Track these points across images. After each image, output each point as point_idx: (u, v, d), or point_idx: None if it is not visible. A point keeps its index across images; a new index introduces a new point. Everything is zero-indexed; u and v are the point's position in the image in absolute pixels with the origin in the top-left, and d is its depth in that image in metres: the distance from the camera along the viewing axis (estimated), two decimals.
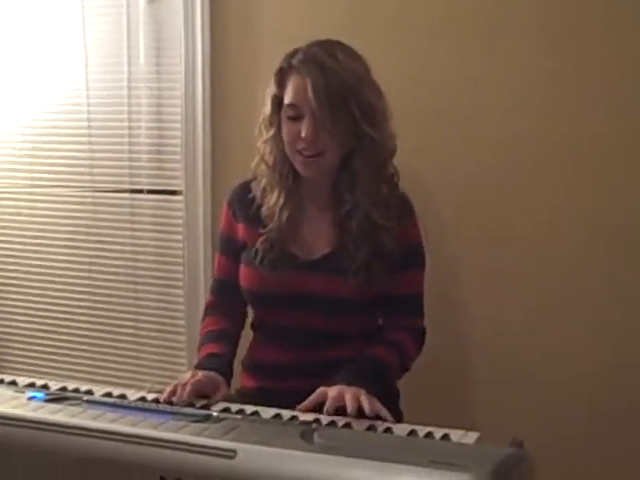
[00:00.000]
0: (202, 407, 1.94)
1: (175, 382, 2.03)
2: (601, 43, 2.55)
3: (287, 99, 2.12)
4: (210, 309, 2.40)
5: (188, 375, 2.06)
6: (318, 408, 1.91)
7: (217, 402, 1.99)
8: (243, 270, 2.26)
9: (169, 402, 1.96)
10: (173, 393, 1.97)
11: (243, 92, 2.96)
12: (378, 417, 1.86)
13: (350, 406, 1.86)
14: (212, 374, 2.08)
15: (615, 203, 2.59)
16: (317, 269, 2.19)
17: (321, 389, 1.96)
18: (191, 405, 1.94)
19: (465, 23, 2.68)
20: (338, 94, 2.05)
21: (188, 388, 1.97)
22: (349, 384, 1.96)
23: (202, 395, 2.01)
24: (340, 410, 1.88)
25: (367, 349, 2.19)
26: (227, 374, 2.15)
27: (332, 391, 1.93)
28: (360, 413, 1.86)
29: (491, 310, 2.75)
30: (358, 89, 2.08)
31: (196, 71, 3.03)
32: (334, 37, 2.19)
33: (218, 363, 2.16)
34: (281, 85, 2.15)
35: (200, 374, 2.05)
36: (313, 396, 1.95)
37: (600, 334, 2.64)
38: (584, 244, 2.63)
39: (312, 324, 2.19)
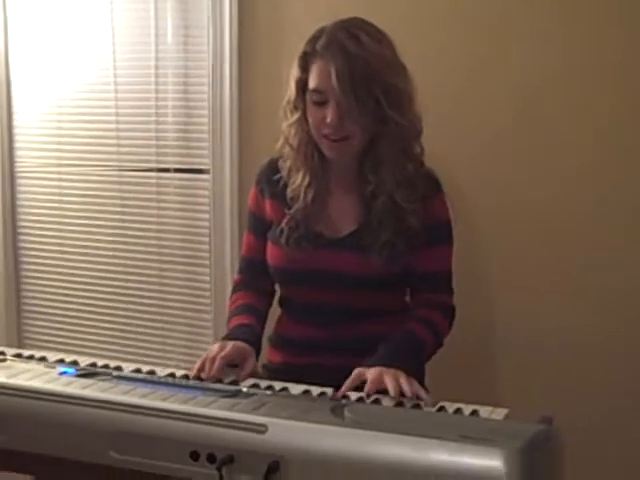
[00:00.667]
0: (231, 383, 1.95)
1: (203, 356, 2.04)
2: (608, 33, 2.56)
3: (312, 84, 2.11)
4: (238, 286, 2.41)
5: (216, 347, 2.06)
6: (357, 388, 1.92)
7: (247, 375, 2.01)
8: (270, 248, 2.27)
9: (198, 378, 1.97)
10: (202, 368, 1.99)
11: (270, 71, 2.96)
12: (417, 398, 1.87)
13: (392, 389, 1.86)
14: (241, 344, 2.09)
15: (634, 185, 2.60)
16: (342, 246, 2.20)
17: (359, 370, 1.96)
18: (220, 381, 1.96)
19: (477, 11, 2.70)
20: (363, 80, 2.04)
21: (217, 363, 1.98)
22: (386, 365, 1.96)
23: (231, 365, 2.02)
24: (380, 393, 1.88)
25: (402, 326, 2.18)
26: (256, 344, 2.16)
27: (371, 374, 1.93)
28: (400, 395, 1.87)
29: (518, 287, 2.76)
30: (383, 73, 2.06)
31: (224, 50, 3.03)
32: (360, 14, 2.17)
33: (248, 333, 2.17)
34: (305, 69, 2.13)
35: (229, 346, 2.06)
36: (352, 378, 1.95)
37: (629, 312, 2.64)
38: (606, 221, 2.64)
39: (338, 301, 2.20)
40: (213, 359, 2.00)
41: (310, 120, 2.15)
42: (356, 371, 1.96)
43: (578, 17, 2.58)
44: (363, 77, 2.04)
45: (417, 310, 2.27)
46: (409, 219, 2.16)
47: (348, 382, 1.93)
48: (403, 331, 2.16)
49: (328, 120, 2.08)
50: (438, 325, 2.23)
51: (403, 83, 2.12)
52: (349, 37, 2.07)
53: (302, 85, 2.15)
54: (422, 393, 1.87)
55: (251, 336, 2.17)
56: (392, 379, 1.89)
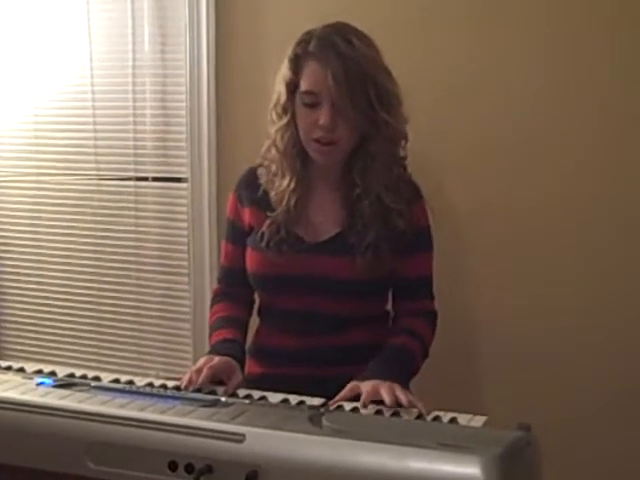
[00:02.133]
0: (209, 392, 1.94)
1: (191, 369, 2.01)
2: (602, 36, 2.57)
3: (304, 86, 2.10)
4: (218, 297, 2.39)
5: (203, 360, 2.04)
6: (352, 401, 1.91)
7: (234, 388, 1.98)
8: (249, 254, 2.26)
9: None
10: (190, 381, 1.95)
11: (248, 79, 2.96)
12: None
13: (388, 400, 1.85)
14: (227, 359, 2.07)
15: (627, 186, 2.61)
16: (324, 251, 2.19)
17: (353, 384, 1.95)
18: (199, 390, 1.95)
19: (465, 13, 2.70)
20: (357, 81, 2.04)
21: (204, 372, 1.96)
22: (381, 378, 1.95)
23: (217, 381, 2.00)
24: (376, 404, 1.87)
25: (390, 339, 2.18)
26: (241, 359, 2.15)
27: (366, 386, 1.92)
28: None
29: (498, 294, 2.77)
30: (374, 74, 2.07)
31: (201, 58, 3.03)
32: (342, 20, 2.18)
33: (232, 348, 2.15)
34: (296, 72, 2.12)
35: (215, 359, 2.04)
36: (346, 390, 1.94)
37: (610, 319, 2.65)
38: (593, 224, 2.65)
39: (319, 308, 2.19)
40: (200, 370, 1.98)
41: (300, 123, 2.14)
42: (350, 384, 1.95)
43: (569, 28, 2.60)
44: (357, 78, 2.04)
45: (402, 319, 2.26)
46: (395, 220, 2.16)
47: (342, 394, 1.92)
48: (394, 345, 2.16)
49: (321, 122, 2.07)
50: (425, 336, 2.23)
51: (392, 85, 2.13)
52: (342, 39, 2.07)
53: (293, 87, 2.14)
54: (419, 404, 1.86)
55: (236, 351, 2.15)
56: (388, 391, 1.88)
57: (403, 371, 2.07)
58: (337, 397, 1.91)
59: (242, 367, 2.14)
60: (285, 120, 2.17)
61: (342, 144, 2.12)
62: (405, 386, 1.97)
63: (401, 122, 2.17)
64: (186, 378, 1.97)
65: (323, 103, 2.07)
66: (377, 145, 2.14)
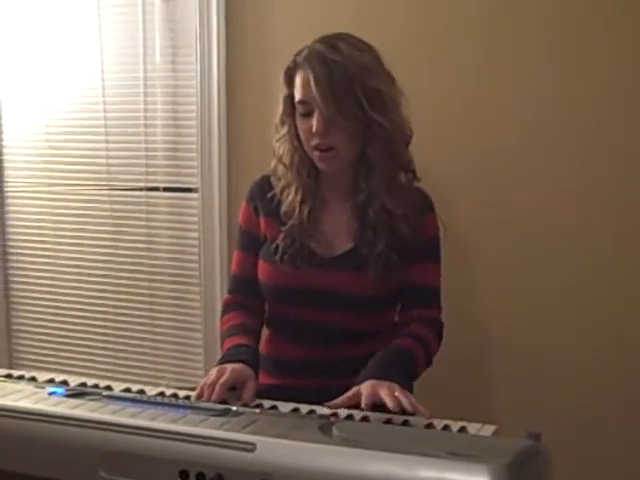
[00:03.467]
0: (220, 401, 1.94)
1: (202, 382, 1.98)
2: (604, 37, 2.59)
3: (296, 96, 2.13)
4: (229, 306, 2.37)
5: (214, 373, 2.00)
6: (352, 406, 1.90)
7: (250, 394, 1.97)
8: (262, 266, 2.26)
9: None
10: (201, 395, 1.94)
11: (258, 89, 2.98)
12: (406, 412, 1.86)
13: (390, 403, 1.84)
14: (239, 366, 2.03)
15: (621, 189, 2.62)
16: (337, 265, 2.19)
17: (355, 389, 1.94)
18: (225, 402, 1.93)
19: (471, 18, 2.73)
20: (342, 84, 2.05)
21: (217, 390, 1.93)
22: (379, 378, 1.95)
23: (231, 388, 1.98)
24: (377, 406, 1.87)
25: (393, 341, 2.17)
26: (255, 365, 2.11)
27: (364, 388, 1.91)
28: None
29: (507, 304, 2.77)
30: (363, 77, 2.07)
31: (212, 69, 3.05)
32: (349, 31, 2.19)
33: (245, 352, 2.12)
34: (289, 84, 2.16)
35: (227, 371, 1.99)
36: (348, 395, 1.93)
37: (610, 327, 2.66)
38: (592, 228, 2.66)
39: (331, 321, 2.19)
40: (212, 385, 1.95)
41: (300, 133, 2.16)
42: (353, 390, 1.94)
43: (571, 31, 2.62)
44: (342, 81, 2.05)
45: (408, 326, 2.25)
46: (401, 227, 2.16)
47: (343, 398, 1.92)
48: (395, 345, 2.15)
49: (314, 129, 2.09)
50: (430, 343, 2.21)
51: (385, 86, 2.12)
52: (328, 47, 2.09)
53: (290, 100, 2.17)
54: (419, 406, 1.85)
55: (249, 356, 2.11)
56: (388, 392, 1.87)
57: (403, 371, 2.05)
58: (337, 401, 1.91)
59: (256, 371, 2.10)
60: (284, 132, 2.20)
61: (341, 149, 2.13)
62: (404, 386, 1.95)
63: (399, 123, 2.16)
64: (198, 392, 1.95)
65: (314, 111, 2.09)
66: (375, 148, 2.14)
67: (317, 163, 2.18)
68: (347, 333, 2.21)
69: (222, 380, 1.96)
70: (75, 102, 3.39)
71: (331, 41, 2.12)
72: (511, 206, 2.74)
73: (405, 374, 2.07)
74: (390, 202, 2.15)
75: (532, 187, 2.70)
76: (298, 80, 2.12)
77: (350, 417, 1.83)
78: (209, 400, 1.92)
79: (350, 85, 2.06)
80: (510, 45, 2.68)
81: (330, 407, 1.88)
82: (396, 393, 1.88)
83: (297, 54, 2.15)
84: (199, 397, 1.94)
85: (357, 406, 1.89)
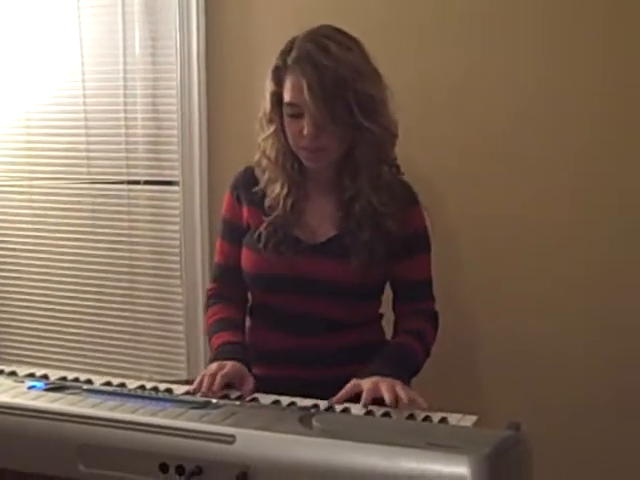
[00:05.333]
0: (237, 398, 1.94)
1: (202, 373, 2.01)
2: (597, 30, 2.58)
3: (286, 98, 2.11)
4: (214, 297, 2.37)
5: (215, 366, 2.02)
6: (352, 400, 1.91)
7: (250, 393, 1.98)
8: (246, 254, 2.26)
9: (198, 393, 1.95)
10: (201, 384, 1.96)
11: (239, 82, 2.97)
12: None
13: (388, 397, 1.86)
14: (238, 365, 2.06)
15: (615, 183, 2.63)
16: (321, 252, 2.20)
17: (354, 382, 1.95)
18: (227, 397, 1.94)
19: (460, 13, 2.72)
20: (334, 91, 2.04)
21: (218, 379, 1.95)
22: (382, 375, 1.96)
23: (229, 385, 2.00)
24: (376, 402, 1.87)
25: (392, 338, 2.22)
26: (248, 362, 2.12)
27: (367, 383, 1.92)
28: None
29: (492, 295, 2.78)
30: (355, 81, 2.06)
31: (191, 62, 3.04)
32: (332, 21, 2.17)
33: (238, 352, 2.14)
34: (278, 83, 2.14)
35: (228, 366, 2.02)
36: (347, 388, 1.94)
37: (601, 319, 2.67)
38: (582, 223, 2.66)
39: (314, 309, 2.20)
40: (213, 375, 1.97)
41: (288, 132, 2.16)
42: (352, 382, 1.95)
43: (564, 25, 2.62)
44: (334, 88, 2.04)
45: (403, 321, 2.27)
46: (387, 223, 2.17)
47: (343, 392, 1.92)
48: (395, 343, 2.19)
49: (305, 133, 2.09)
50: (427, 336, 2.24)
51: (375, 90, 2.12)
52: (318, 49, 2.07)
53: (277, 98, 2.15)
54: (419, 399, 1.86)
55: (242, 354, 2.13)
56: (389, 388, 1.88)
57: (404, 369, 2.08)
58: (338, 395, 1.91)
59: (249, 369, 2.11)
60: (272, 129, 2.19)
61: (330, 149, 2.13)
62: (406, 383, 1.97)
63: (387, 126, 2.16)
64: (198, 381, 1.97)
65: (305, 113, 2.08)
66: (363, 150, 2.14)
67: (304, 161, 2.18)
68: (330, 322, 2.21)
69: (223, 372, 1.99)
70: (55, 95, 3.37)
71: (320, 41, 2.09)
72: (501, 199, 2.74)
73: (407, 371, 2.10)
74: (376, 199, 2.16)
75: (523, 180, 2.70)
76: (289, 83, 2.10)
77: (330, 409, 1.83)
78: (209, 389, 1.94)
79: (342, 92, 2.05)
80: (500, 35, 2.68)
81: (333, 402, 1.88)
82: (397, 388, 1.89)
83: (285, 52, 2.12)
84: (199, 387, 1.95)
85: (357, 397, 1.90)
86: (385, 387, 1.89)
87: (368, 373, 1.99)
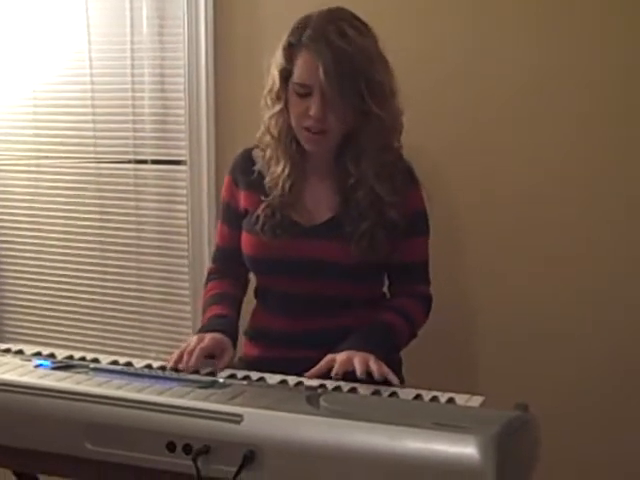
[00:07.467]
0: (208, 374, 1.95)
1: (181, 348, 2.04)
2: (597, 19, 2.56)
3: (296, 76, 2.10)
4: (212, 275, 2.42)
5: (195, 340, 2.07)
6: (326, 375, 1.93)
7: (224, 366, 2.02)
8: (244, 237, 2.27)
9: (175, 369, 1.97)
10: (179, 360, 1.99)
11: (247, 61, 2.95)
12: (386, 381, 1.89)
13: (359, 369, 1.88)
14: (218, 336, 2.10)
15: (627, 173, 2.60)
16: (318, 235, 2.20)
17: (329, 356, 1.99)
18: (197, 372, 1.96)
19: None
20: (349, 75, 2.04)
21: (196, 354, 1.99)
22: (356, 349, 1.98)
23: (208, 356, 2.03)
24: (348, 375, 1.90)
25: (375, 316, 2.20)
26: (233, 335, 2.17)
27: (340, 356, 1.95)
28: (368, 377, 1.88)
29: (494, 276, 2.76)
30: (368, 68, 2.06)
31: (199, 40, 3.02)
32: (342, 4, 2.16)
33: (224, 324, 2.18)
34: (290, 60, 2.12)
35: (207, 338, 2.07)
36: (322, 363, 1.97)
37: (607, 300, 2.65)
38: (589, 207, 2.64)
39: (314, 290, 2.20)
40: (191, 351, 2.00)
41: (292, 111, 2.15)
42: (327, 357, 1.98)
43: (563, 12, 2.59)
44: (349, 72, 2.04)
45: (393, 300, 2.29)
46: (389, 212, 2.17)
47: (318, 366, 1.96)
48: (376, 319, 2.19)
49: (312, 113, 2.08)
50: (411, 313, 2.24)
51: (386, 78, 2.12)
52: (336, 30, 2.06)
53: (286, 75, 2.14)
54: (391, 376, 1.89)
55: (228, 327, 2.17)
56: (361, 361, 1.91)
57: (381, 344, 2.08)
58: (313, 370, 1.95)
59: (234, 342, 2.17)
60: (278, 107, 2.18)
61: (332, 133, 2.13)
62: (382, 358, 1.98)
63: (394, 114, 2.16)
64: (174, 357, 2.01)
65: (314, 94, 2.07)
66: (368, 136, 2.14)
67: (303, 142, 2.18)
68: (330, 303, 2.22)
69: (202, 345, 2.03)
70: (62, 74, 3.35)
71: (338, 23, 2.08)
72: (500, 188, 2.72)
73: (384, 344, 2.11)
74: (379, 187, 2.16)
75: (527, 165, 2.69)
76: (302, 61, 2.09)
77: (338, 389, 1.83)
78: (187, 365, 1.97)
79: (355, 76, 2.05)
80: (497, 17, 2.66)
81: (307, 377, 1.92)
82: (370, 362, 1.91)
83: (300, 29, 2.10)
84: (177, 362, 1.99)
85: (330, 372, 1.93)
86: (358, 360, 1.92)
87: (344, 347, 2.02)
